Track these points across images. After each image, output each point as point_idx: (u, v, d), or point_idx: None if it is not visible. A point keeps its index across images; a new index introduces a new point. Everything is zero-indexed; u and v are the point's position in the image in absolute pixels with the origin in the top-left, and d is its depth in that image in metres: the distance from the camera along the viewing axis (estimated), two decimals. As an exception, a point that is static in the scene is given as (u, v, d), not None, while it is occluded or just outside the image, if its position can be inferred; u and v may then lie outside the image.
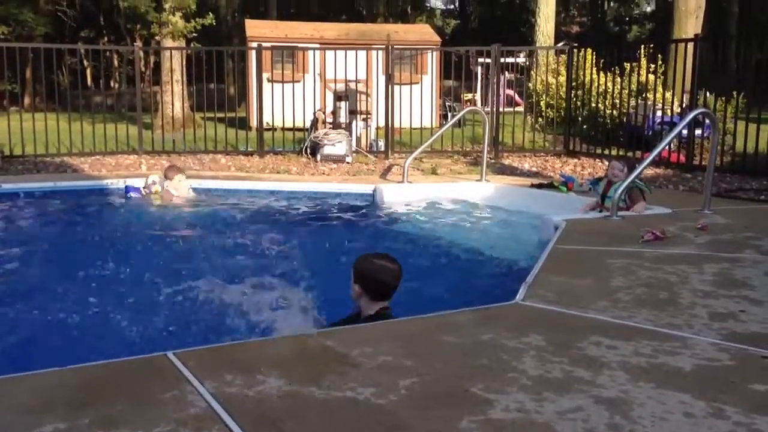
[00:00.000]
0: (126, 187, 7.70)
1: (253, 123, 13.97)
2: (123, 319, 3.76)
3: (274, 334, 3.39)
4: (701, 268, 4.00)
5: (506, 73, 19.12)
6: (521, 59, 19.61)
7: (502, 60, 16.10)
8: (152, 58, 20.13)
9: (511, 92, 19.62)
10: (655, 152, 5.66)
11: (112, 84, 29.86)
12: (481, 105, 20.66)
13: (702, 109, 6.24)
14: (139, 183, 7.69)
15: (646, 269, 4.02)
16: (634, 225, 5.22)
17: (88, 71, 33.91)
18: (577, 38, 35.37)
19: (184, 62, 15.30)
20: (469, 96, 21.89)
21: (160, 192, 7.40)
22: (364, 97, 11.40)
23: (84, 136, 10.07)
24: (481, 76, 22.52)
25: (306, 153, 10.29)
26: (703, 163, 8.60)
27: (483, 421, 2.11)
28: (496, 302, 3.65)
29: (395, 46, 11.41)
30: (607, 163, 9.71)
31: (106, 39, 36.00)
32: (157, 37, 17.02)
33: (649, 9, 48.47)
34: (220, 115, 11.92)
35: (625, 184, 5.61)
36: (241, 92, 17.13)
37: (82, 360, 2.53)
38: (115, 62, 30.76)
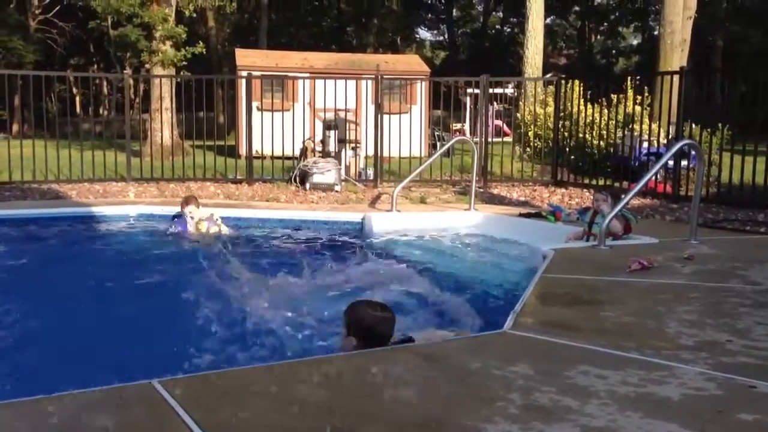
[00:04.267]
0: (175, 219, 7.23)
1: (242, 151, 14.03)
2: (105, 344, 3.73)
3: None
4: (688, 298, 4.02)
5: (495, 103, 19.32)
6: (509, 90, 19.85)
7: (490, 90, 16.32)
8: (142, 86, 20.23)
9: (499, 122, 19.80)
10: (642, 183, 5.72)
11: (101, 111, 29.92)
12: (470, 135, 20.90)
13: (688, 141, 6.32)
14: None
15: (633, 299, 4.03)
16: (622, 255, 5.24)
17: (77, 98, 33.94)
18: (565, 70, 35.83)
19: (174, 90, 15.35)
20: (458, 126, 22.09)
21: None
22: (353, 126, 11.47)
23: (72, 163, 10.05)
24: (470, 106, 22.88)
25: (295, 181, 10.31)
26: (689, 193, 8.66)
27: (471, 450, 2.10)
28: (485, 331, 3.65)
29: (385, 76, 11.50)
30: (594, 191, 9.82)
31: (95, 66, 36.13)
32: (147, 65, 17.08)
33: (635, 42, 49.26)
34: (210, 143, 11.93)
35: (614, 213, 5.65)
36: (231, 120, 17.19)
37: (65, 387, 2.49)
38: (105, 89, 30.88)
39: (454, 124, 20.90)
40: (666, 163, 9.47)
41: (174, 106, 15.63)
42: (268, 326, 3.70)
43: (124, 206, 8.10)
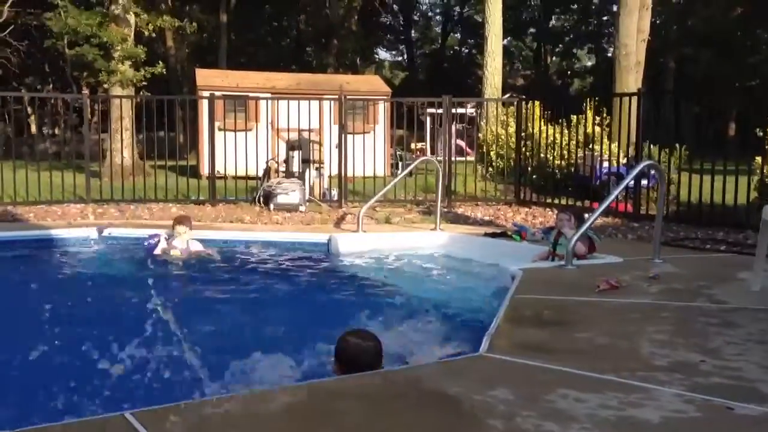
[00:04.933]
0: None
1: (204, 171, 13.87)
2: (72, 375, 3.60)
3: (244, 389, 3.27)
4: (657, 318, 4.07)
5: (455, 123, 19.49)
6: (470, 110, 20.08)
7: (454, 111, 16.47)
8: (99, 106, 19.90)
9: (460, 142, 19.98)
10: (606, 203, 5.81)
11: (56, 131, 29.32)
12: (431, 154, 21.03)
13: (649, 162, 6.45)
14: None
15: (605, 320, 4.07)
16: (589, 274, 5.30)
17: (32, 119, 33.21)
18: (522, 90, 36.40)
19: (134, 110, 15.14)
20: (419, 145, 22.23)
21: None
22: (316, 146, 11.44)
23: (29, 185, 9.80)
24: (430, 126, 23.06)
25: (259, 202, 10.21)
26: (650, 212, 8.85)
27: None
28: (458, 353, 3.63)
29: (348, 97, 11.52)
30: (557, 212, 9.94)
31: (51, 86, 35.44)
32: (105, 85, 16.81)
33: (589, 63, 50.38)
34: (170, 163, 11.77)
35: (578, 234, 5.71)
36: (191, 141, 16.99)
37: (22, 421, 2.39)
38: (60, 109, 30.28)
39: (414, 144, 21.02)
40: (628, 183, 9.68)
41: (134, 126, 15.39)
42: (239, 351, 3.62)
43: (85, 229, 7.90)
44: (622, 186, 5.76)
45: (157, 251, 6.87)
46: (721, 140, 10.39)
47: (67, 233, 7.71)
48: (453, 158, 11.53)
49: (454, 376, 3.03)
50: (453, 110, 15.01)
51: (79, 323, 4.46)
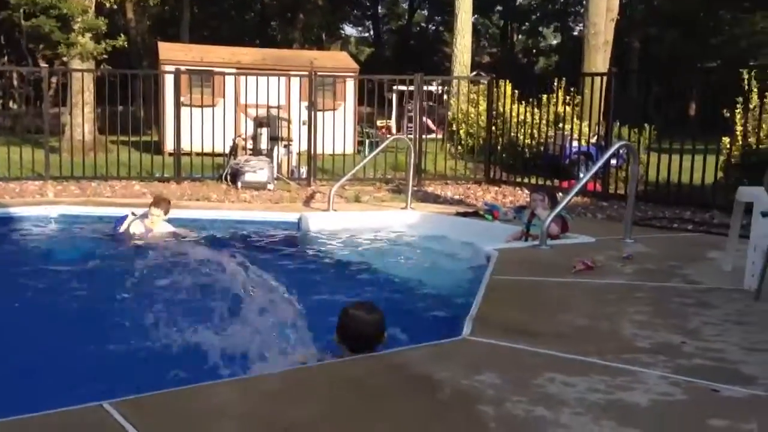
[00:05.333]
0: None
1: (167, 148, 13.57)
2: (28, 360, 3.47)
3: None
4: (635, 299, 4.08)
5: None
6: (433, 87, 19.97)
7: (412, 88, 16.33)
8: (57, 79, 19.33)
9: (427, 120, 19.88)
10: (581, 183, 5.83)
11: (11, 105, 28.40)
12: (396, 131, 20.93)
13: (624, 142, 6.47)
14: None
15: (584, 301, 4.07)
16: (564, 254, 5.30)
17: (-14, 91, 32.15)
18: (489, 68, 36.35)
19: (95, 84, 14.70)
20: (383, 122, 22.10)
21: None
22: (285, 123, 11.25)
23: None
24: (396, 103, 22.93)
25: (226, 180, 10.02)
26: (618, 191, 8.91)
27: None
28: (437, 335, 3.59)
29: (319, 73, 11.33)
30: (527, 191, 9.95)
31: (5, 59, 34.30)
32: (64, 58, 16.29)
33: (554, 42, 50.59)
34: (133, 139, 11.43)
35: (553, 213, 5.70)
36: (153, 116, 16.60)
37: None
38: (15, 82, 29.31)
39: (379, 121, 20.86)
40: (603, 163, 9.74)
41: (94, 100, 14.97)
42: (213, 334, 3.52)
43: (44, 206, 7.65)
44: (597, 166, 5.78)
45: (122, 227, 6.67)
46: (684, 120, 10.49)
47: (27, 211, 7.45)
48: (424, 136, 11.46)
49: (439, 360, 2.99)
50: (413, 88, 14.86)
51: (40, 307, 4.31)
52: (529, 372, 2.83)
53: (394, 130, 21.87)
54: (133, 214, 6.80)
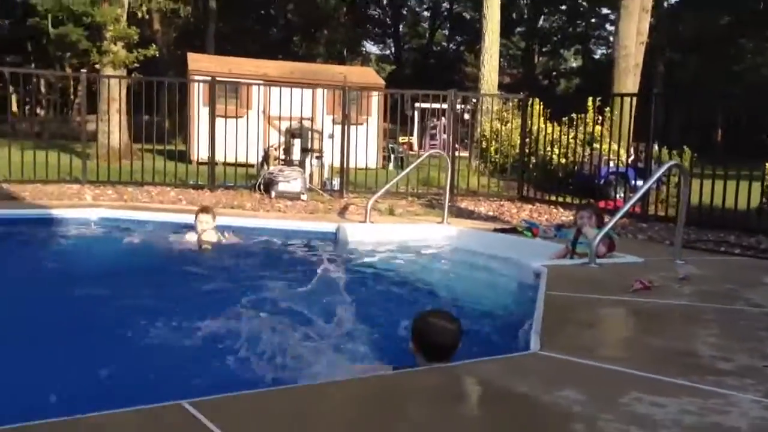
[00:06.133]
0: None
1: (194, 156, 13.58)
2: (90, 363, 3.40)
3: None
4: (702, 320, 3.96)
5: (443, 118, 19.41)
6: (458, 105, 19.92)
7: (437, 106, 16.31)
8: (84, 87, 19.50)
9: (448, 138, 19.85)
10: (632, 202, 5.74)
11: (39, 111, 28.67)
12: (418, 148, 20.90)
13: (674, 162, 6.36)
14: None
15: (649, 320, 3.95)
16: (615, 273, 5.20)
17: (13, 98, 32.51)
18: (510, 88, 36.34)
19: (125, 92, 14.79)
20: (406, 139, 22.10)
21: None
22: (316, 135, 11.24)
23: (22, 164, 9.48)
24: (417, 120, 22.94)
25: (259, 189, 9.99)
26: (659, 213, 8.79)
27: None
28: (499, 350, 3.49)
29: (349, 87, 11.33)
30: (561, 209, 9.86)
31: (33, 65, 34.70)
32: (96, 65, 16.41)
33: (575, 64, 50.61)
34: (159, 147, 11.44)
35: (603, 232, 5.60)
36: (179, 125, 16.65)
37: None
38: (42, 89, 29.58)
39: (401, 137, 20.86)
40: (635, 183, 9.63)
41: (123, 108, 15.03)
42: (280, 343, 3.45)
43: (84, 209, 7.65)
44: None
45: (183, 240, 6.55)
46: (710, 145, 10.40)
47: (68, 214, 7.44)
48: (458, 153, 11.40)
49: (515, 373, 2.89)
50: (434, 105, 14.78)
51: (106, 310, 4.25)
52: (612, 390, 2.72)
53: (415, 147, 21.88)
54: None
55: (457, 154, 15.29)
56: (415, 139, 23.34)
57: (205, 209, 6.73)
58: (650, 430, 2.34)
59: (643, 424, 2.39)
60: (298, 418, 2.33)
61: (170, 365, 3.32)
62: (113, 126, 13.98)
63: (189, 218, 6.97)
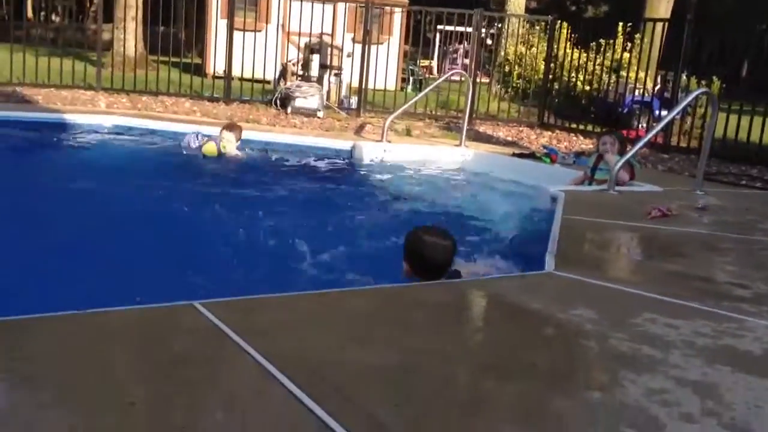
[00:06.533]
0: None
1: (210, 70, 13.37)
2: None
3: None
4: (720, 249, 3.90)
5: (465, 42, 18.94)
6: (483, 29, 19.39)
7: (456, 29, 15.86)
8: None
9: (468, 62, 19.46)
10: (659, 128, 5.67)
11: (53, 17, 28.23)
12: (437, 72, 20.50)
13: (704, 89, 6.16)
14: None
15: (666, 247, 3.89)
16: (632, 200, 5.13)
17: (29, 3, 31.98)
18: (537, 13, 35.29)
19: (141, 0, 14.47)
20: (426, 62, 21.67)
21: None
22: (336, 51, 10.99)
23: (36, 69, 9.38)
24: (439, 43, 22.41)
25: (275, 104, 9.85)
26: (680, 144, 8.62)
27: (565, 396, 1.91)
28: (514, 269, 3.46)
29: (373, 3, 11.00)
30: (581, 137, 9.69)
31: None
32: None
33: (604, -9, 48.91)
34: (174, 60, 11.24)
35: (624, 159, 5.49)
36: (195, 38, 16.33)
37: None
38: (58, -5, 29.06)
39: (422, 61, 20.45)
40: (660, 112, 9.40)
41: (139, 17, 14.75)
42: (289, 253, 3.43)
43: (98, 116, 7.58)
44: (676, 110, 5.51)
45: (194, 144, 6.50)
46: (738, 79, 10.08)
47: (81, 119, 7.38)
48: (477, 78, 11.14)
49: (528, 291, 2.85)
50: (470, 29, 14.31)
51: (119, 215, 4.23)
52: (625, 310, 2.69)
53: (435, 71, 21.46)
54: (200, 134, 6.65)
55: (478, 80, 15.05)
56: (435, 63, 22.88)
57: (229, 126, 6.65)
58: (662, 350, 2.31)
59: (655, 344, 2.36)
60: (302, 323, 2.32)
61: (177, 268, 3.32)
62: (129, 34, 13.73)
63: (203, 129, 6.92)
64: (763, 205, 5.60)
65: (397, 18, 17.19)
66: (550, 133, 9.98)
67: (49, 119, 7.19)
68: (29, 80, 9.40)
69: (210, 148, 6.40)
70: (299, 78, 10.65)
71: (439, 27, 20.49)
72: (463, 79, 9.12)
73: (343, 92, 11.05)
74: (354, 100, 10.73)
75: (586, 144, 9.08)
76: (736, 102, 8.32)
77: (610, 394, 1.98)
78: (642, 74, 10.36)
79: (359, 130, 8.78)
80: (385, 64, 10.86)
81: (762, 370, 2.23)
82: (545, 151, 7.64)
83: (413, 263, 2.95)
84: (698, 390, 2.03)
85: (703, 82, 9.02)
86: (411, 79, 18.20)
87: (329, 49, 10.79)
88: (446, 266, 2.97)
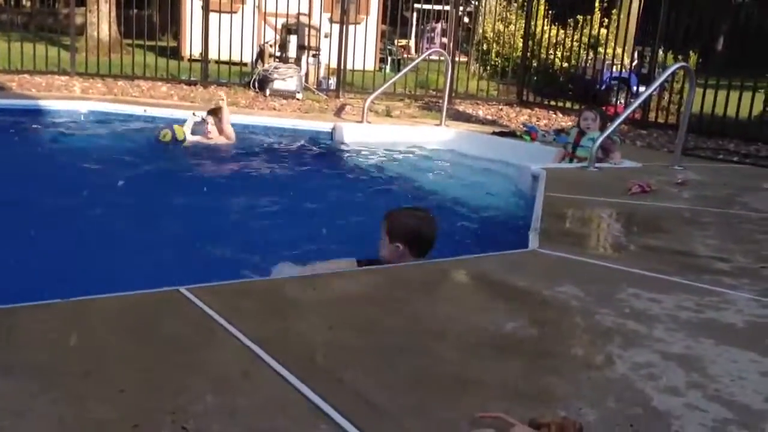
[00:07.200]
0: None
1: (185, 53, 13.18)
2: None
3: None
4: (700, 223, 3.95)
5: (442, 21, 18.88)
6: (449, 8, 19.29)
7: (433, 7, 15.81)
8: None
9: (446, 40, 19.39)
10: (635, 105, 5.67)
11: (24, 2, 27.67)
12: (414, 52, 20.38)
13: (682, 64, 6.20)
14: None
15: (647, 222, 3.93)
16: (614, 177, 5.16)
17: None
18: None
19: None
20: (404, 42, 21.52)
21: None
22: (313, 32, 10.89)
23: (10, 55, 9.19)
24: (416, 23, 22.26)
25: (253, 86, 9.76)
26: (658, 120, 8.68)
27: (552, 372, 1.93)
28: (498, 248, 3.48)
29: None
30: (560, 114, 9.72)
31: (16, -48, 33.25)
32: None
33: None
34: (149, 43, 11.06)
35: (604, 135, 5.52)
36: (171, 20, 16.08)
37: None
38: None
39: (399, 41, 20.32)
40: (638, 88, 9.45)
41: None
42: (271, 234, 3.42)
43: (73, 101, 7.47)
44: (655, 85, 5.55)
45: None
46: (714, 53, 10.14)
47: (57, 105, 7.27)
48: (455, 57, 11.10)
49: (513, 269, 2.87)
50: (434, 7, 14.27)
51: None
52: (609, 285, 2.72)
53: (413, 51, 21.33)
54: (194, 114, 6.59)
55: (456, 59, 15.00)
56: (412, 43, 22.75)
57: (212, 111, 6.59)
58: (646, 324, 2.35)
59: (640, 319, 2.39)
60: (290, 305, 2.32)
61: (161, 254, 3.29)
62: (102, 17, 13.49)
63: (180, 114, 6.85)
64: (740, 179, 5.67)
65: (374, -2, 17.08)
66: (529, 111, 10.00)
67: (24, 106, 7.06)
68: (2, 66, 9.22)
69: (166, 135, 6.31)
70: (277, 59, 10.55)
71: (417, 6, 20.35)
72: (441, 58, 9.06)
73: (321, 73, 10.96)
74: (332, 81, 10.65)
75: (565, 121, 9.11)
76: (713, 77, 8.38)
77: (597, 369, 2.01)
78: (619, 50, 10.41)
79: (339, 112, 8.74)
80: (363, 44, 10.80)
81: (744, 342, 2.27)
82: (525, 129, 7.66)
83: (410, 243, 2.94)
84: (683, 363, 2.06)
85: (680, 57, 9.07)
86: (389, 59, 18.10)
87: (306, 29, 10.69)
88: (434, 240, 2.99)
